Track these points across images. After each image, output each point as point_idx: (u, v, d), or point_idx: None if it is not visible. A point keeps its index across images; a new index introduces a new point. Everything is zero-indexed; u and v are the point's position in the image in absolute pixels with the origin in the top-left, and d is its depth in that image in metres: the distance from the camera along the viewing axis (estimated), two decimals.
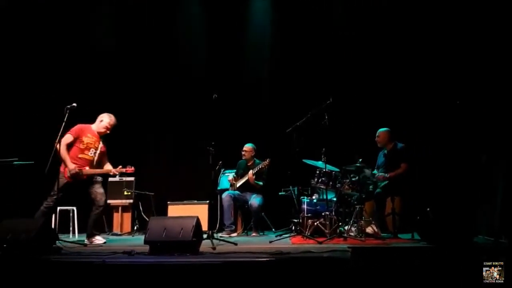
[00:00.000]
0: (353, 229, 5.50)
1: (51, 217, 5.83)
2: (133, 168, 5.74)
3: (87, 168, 5.59)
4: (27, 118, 7.83)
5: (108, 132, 5.83)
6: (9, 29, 7.97)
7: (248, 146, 7.05)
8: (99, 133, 5.78)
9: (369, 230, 5.49)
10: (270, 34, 8.13)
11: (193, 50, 8.27)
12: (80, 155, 5.57)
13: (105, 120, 5.80)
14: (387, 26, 7.47)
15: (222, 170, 7.40)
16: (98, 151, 5.73)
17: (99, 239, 5.64)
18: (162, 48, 8.26)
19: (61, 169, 5.51)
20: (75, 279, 3.62)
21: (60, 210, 6.66)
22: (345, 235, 5.36)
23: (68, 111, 5.35)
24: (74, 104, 5.38)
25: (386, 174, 5.93)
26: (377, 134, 6.22)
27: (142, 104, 8.17)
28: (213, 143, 5.61)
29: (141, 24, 8.24)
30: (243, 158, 7.07)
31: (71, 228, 6.80)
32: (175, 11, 8.26)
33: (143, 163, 8.08)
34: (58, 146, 5.38)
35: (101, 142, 5.79)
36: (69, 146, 5.55)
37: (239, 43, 8.17)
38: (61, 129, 5.43)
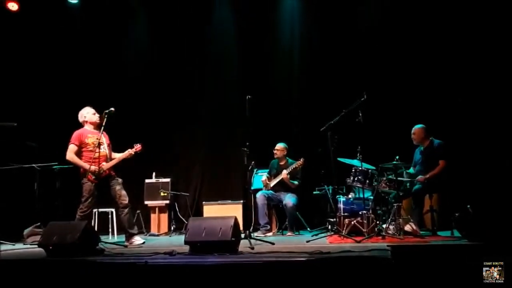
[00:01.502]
0: (391, 227, 5.44)
1: (92, 219, 5.96)
2: (139, 145, 5.80)
3: (104, 163, 5.69)
4: (66, 123, 8.04)
5: (98, 117, 5.84)
6: (49, 41, 8.25)
7: (280, 145, 7.06)
8: (95, 127, 5.84)
9: (407, 228, 5.42)
10: (300, 32, 8.10)
11: (226, 52, 8.34)
12: (94, 156, 5.65)
13: (84, 113, 5.85)
14: (423, 18, 7.31)
15: (255, 170, 7.43)
16: (106, 145, 5.82)
17: (138, 240, 5.72)
18: (195, 50, 8.37)
19: (81, 175, 5.64)
20: (119, 280, 3.70)
21: (99, 212, 6.85)
22: (383, 233, 5.30)
23: (106, 115, 5.50)
24: (112, 109, 5.51)
25: (426, 176, 5.79)
26: (412, 131, 6.11)
27: (177, 106, 8.29)
28: (247, 143, 5.65)
29: (175, 27, 8.37)
30: (275, 157, 7.09)
31: (110, 229, 6.95)
32: (208, 15, 8.34)
33: (178, 164, 8.24)
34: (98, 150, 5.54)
35: (104, 136, 5.83)
36: (79, 155, 5.65)
37: (270, 43, 8.18)
38: (101, 132, 5.58)
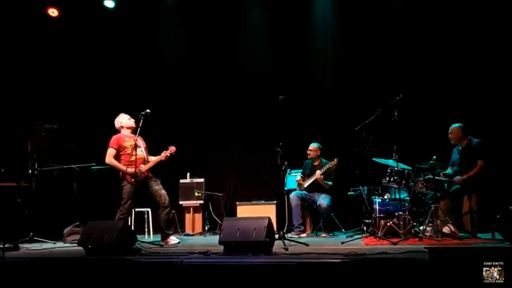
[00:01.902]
0: (428, 229, 5.32)
1: (129, 219, 6.08)
2: (174, 147, 5.87)
3: (142, 166, 5.80)
4: (104, 125, 8.24)
5: (134, 122, 5.96)
6: (87, 45, 8.50)
7: (313, 146, 7.01)
8: (132, 131, 5.96)
9: (446, 229, 5.28)
10: (333, 31, 8.04)
11: (259, 53, 8.37)
12: (132, 158, 5.74)
13: (120, 120, 5.99)
14: (460, 16, 7.14)
15: (288, 170, 7.41)
16: (143, 148, 5.93)
17: (173, 240, 5.79)
18: (228, 51, 8.43)
19: (121, 178, 5.76)
20: (155, 279, 3.76)
21: (136, 212, 6.98)
22: (421, 235, 5.19)
23: (142, 117, 5.60)
24: (148, 110, 5.61)
25: (463, 177, 5.65)
26: (449, 131, 5.97)
27: (211, 107, 8.38)
28: (280, 143, 5.64)
29: (208, 30, 8.46)
30: (309, 157, 7.04)
31: (146, 229, 7.07)
32: (240, 15, 8.38)
33: (212, 165, 8.32)
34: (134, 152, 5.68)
35: (140, 139, 5.93)
36: (118, 158, 5.79)
37: (303, 43, 8.15)
38: (137, 134, 5.69)
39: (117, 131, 6.02)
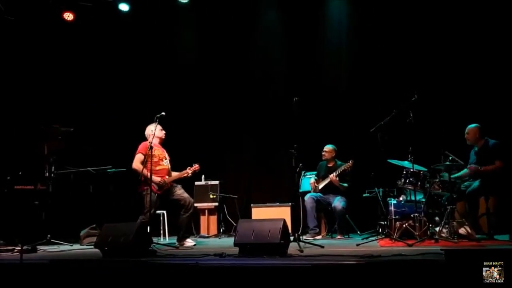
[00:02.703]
0: (444, 230, 5.27)
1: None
2: (197, 165, 5.92)
3: (167, 177, 5.85)
4: (119, 127, 8.35)
5: (164, 134, 6.02)
6: (102, 48, 8.61)
7: (328, 147, 6.99)
8: (160, 142, 6.01)
9: (462, 231, 5.22)
10: (348, 31, 8.02)
11: (273, 54, 8.38)
12: (158, 168, 5.79)
13: (152, 128, 5.86)
14: (475, 15, 7.06)
15: (303, 172, 7.39)
16: (168, 159, 5.99)
17: (189, 242, 5.82)
18: (243, 54, 8.46)
19: (143, 188, 5.66)
20: (171, 280, 3.78)
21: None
22: (436, 237, 5.14)
23: (157, 120, 5.64)
24: (163, 113, 5.64)
25: (479, 167, 5.61)
26: (466, 131, 5.91)
27: (225, 109, 8.41)
28: (295, 145, 5.63)
29: (222, 32, 8.50)
30: (323, 159, 7.02)
31: (161, 231, 7.11)
32: (255, 17, 8.41)
33: (226, 167, 8.34)
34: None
35: (165, 151, 6.03)
36: (145, 164, 5.69)
37: (317, 42, 8.14)
38: (152, 137, 5.73)
39: (144, 139, 5.99)
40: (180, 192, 5.87)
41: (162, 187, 5.75)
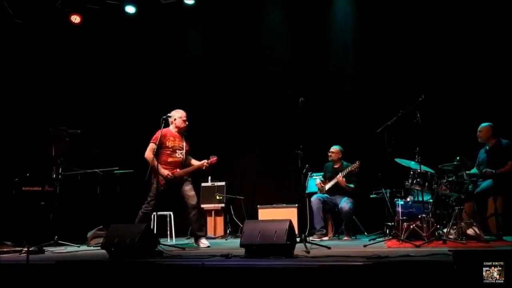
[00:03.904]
0: (452, 231, 5.22)
1: (151, 222, 6.11)
2: (215, 157, 5.81)
3: (178, 170, 5.76)
4: (126, 129, 8.38)
5: (186, 124, 5.88)
6: (108, 50, 8.66)
7: (335, 148, 6.96)
8: (179, 131, 5.88)
9: (470, 232, 5.17)
10: (353, 31, 7.98)
11: (279, 55, 8.36)
12: (169, 159, 5.74)
13: (176, 118, 5.84)
14: (482, 14, 7.01)
15: (309, 173, 7.37)
16: (184, 151, 5.86)
17: (203, 243, 5.73)
18: (249, 55, 8.46)
19: (153, 177, 5.70)
20: (177, 281, 3.78)
21: (158, 215, 7.02)
22: (444, 238, 5.10)
23: (164, 121, 5.64)
24: (170, 115, 5.64)
25: (493, 171, 5.57)
26: (479, 129, 5.90)
27: (231, 110, 8.41)
28: (301, 146, 5.61)
29: (228, 33, 8.52)
30: (330, 159, 6.99)
31: (168, 232, 7.11)
32: (260, 18, 8.41)
33: (232, 168, 8.34)
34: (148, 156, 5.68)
35: (184, 141, 5.89)
36: (157, 154, 5.69)
37: (323, 43, 8.12)
38: (159, 138, 5.73)
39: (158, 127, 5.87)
40: (187, 188, 5.76)
41: (169, 181, 5.68)
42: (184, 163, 5.87)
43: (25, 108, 8.18)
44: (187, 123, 5.90)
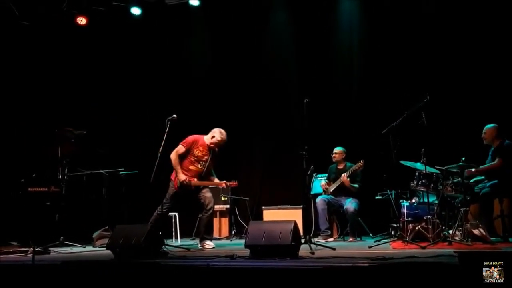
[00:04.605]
0: (457, 233, 5.20)
1: (161, 222, 6.10)
2: (236, 183, 5.84)
3: (195, 179, 5.76)
4: (132, 130, 8.41)
5: (216, 148, 5.87)
6: (114, 51, 8.69)
7: (338, 149, 6.95)
8: (209, 147, 5.88)
9: (476, 232, 5.14)
10: (358, 32, 7.96)
11: (284, 56, 8.36)
12: (190, 167, 5.76)
13: (216, 136, 5.84)
14: (488, 14, 6.98)
15: (314, 175, 7.36)
16: (207, 163, 5.85)
17: (209, 244, 5.73)
18: (253, 55, 8.46)
19: (172, 177, 5.76)
20: (182, 281, 3.78)
21: None
22: (450, 239, 5.08)
23: (169, 122, 5.64)
24: (175, 116, 5.66)
25: (472, 169, 5.60)
26: (483, 131, 5.86)
27: (236, 111, 8.40)
28: (306, 147, 5.61)
29: (233, 34, 8.52)
30: (334, 161, 6.98)
31: (173, 233, 7.12)
32: (265, 19, 8.41)
33: (238, 169, 8.33)
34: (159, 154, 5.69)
35: (210, 155, 5.87)
36: (181, 157, 5.74)
37: (328, 44, 8.10)
38: (164, 140, 5.74)
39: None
40: (204, 190, 5.77)
41: (183, 187, 5.69)
42: (204, 175, 5.88)
43: (31, 109, 8.22)
44: (217, 148, 5.89)
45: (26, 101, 8.28)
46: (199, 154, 5.80)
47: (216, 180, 5.91)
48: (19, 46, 8.41)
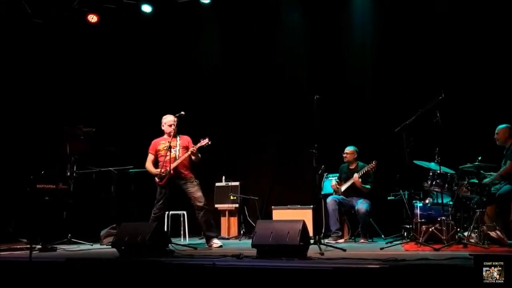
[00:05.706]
0: (473, 235, 5.06)
1: (164, 221, 6.08)
2: (207, 139, 5.74)
3: (171, 165, 5.72)
4: (141, 128, 8.35)
5: (173, 127, 5.82)
6: (125, 49, 8.68)
7: (350, 149, 6.81)
8: (169, 134, 5.91)
9: (493, 234, 4.99)
10: (371, 29, 7.79)
11: (295, 53, 8.23)
12: (163, 159, 5.80)
13: (163, 122, 5.98)
14: (503, 11, 6.79)
15: (325, 174, 7.23)
16: (178, 147, 5.86)
17: (216, 243, 5.68)
18: (264, 53, 8.35)
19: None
20: (187, 280, 3.70)
21: (171, 215, 6.98)
22: (465, 241, 4.93)
23: (178, 119, 5.59)
24: (182, 113, 5.62)
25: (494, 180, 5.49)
26: (496, 131, 5.73)
27: (246, 110, 8.32)
28: (316, 145, 5.48)
29: (244, 32, 8.43)
30: (345, 160, 6.84)
31: (181, 232, 7.06)
32: (276, 17, 8.30)
33: (247, 168, 8.25)
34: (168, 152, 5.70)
35: (178, 139, 5.90)
36: (156, 162, 5.91)
37: (340, 42, 7.97)
38: (172, 136, 5.68)
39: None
40: (193, 190, 5.74)
41: (162, 177, 5.72)
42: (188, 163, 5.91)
43: (40, 106, 8.22)
44: (173, 127, 5.88)
45: (36, 98, 8.28)
46: (163, 146, 5.85)
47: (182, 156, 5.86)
48: (31, 45, 8.43)
